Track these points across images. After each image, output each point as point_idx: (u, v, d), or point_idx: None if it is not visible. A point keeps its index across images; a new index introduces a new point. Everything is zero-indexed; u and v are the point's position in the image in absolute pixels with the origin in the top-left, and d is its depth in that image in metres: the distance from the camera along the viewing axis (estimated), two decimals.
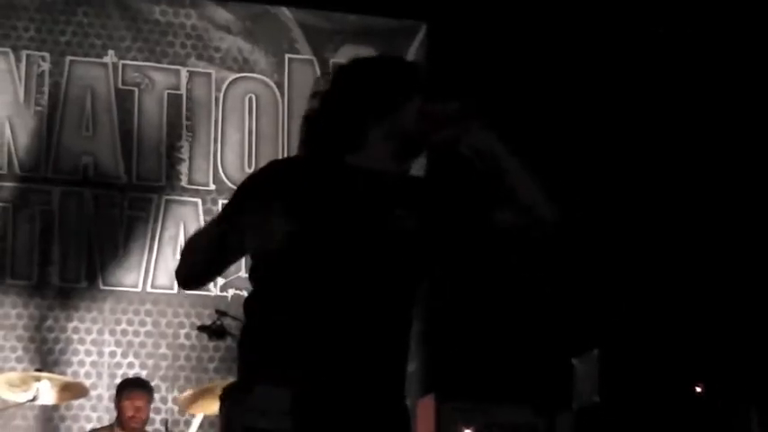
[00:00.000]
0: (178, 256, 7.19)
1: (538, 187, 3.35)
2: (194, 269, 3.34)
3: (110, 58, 7.68)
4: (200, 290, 4.74)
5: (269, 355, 3.21)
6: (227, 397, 3.37)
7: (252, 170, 7.56)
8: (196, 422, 6.82)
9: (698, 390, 6.88)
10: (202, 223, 7.61)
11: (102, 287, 7.51)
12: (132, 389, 6.72)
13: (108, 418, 7.15)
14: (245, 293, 6.73)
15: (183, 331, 7.45)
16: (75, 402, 7.06)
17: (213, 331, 6.59)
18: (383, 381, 3.29)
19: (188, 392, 7.04)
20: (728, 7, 7.84)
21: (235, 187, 7.08)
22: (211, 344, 7.10)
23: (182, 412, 7.11)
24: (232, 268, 6.82)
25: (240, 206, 3.29)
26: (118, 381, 7.20)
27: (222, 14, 7.88)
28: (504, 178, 3.31)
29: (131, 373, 7.30)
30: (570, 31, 8.24)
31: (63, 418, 7.27)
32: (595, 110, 8.13)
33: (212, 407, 6.57)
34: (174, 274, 3.32)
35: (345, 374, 3.20)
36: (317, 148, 3.35)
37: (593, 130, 8.17)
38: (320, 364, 3.18)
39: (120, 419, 6.68)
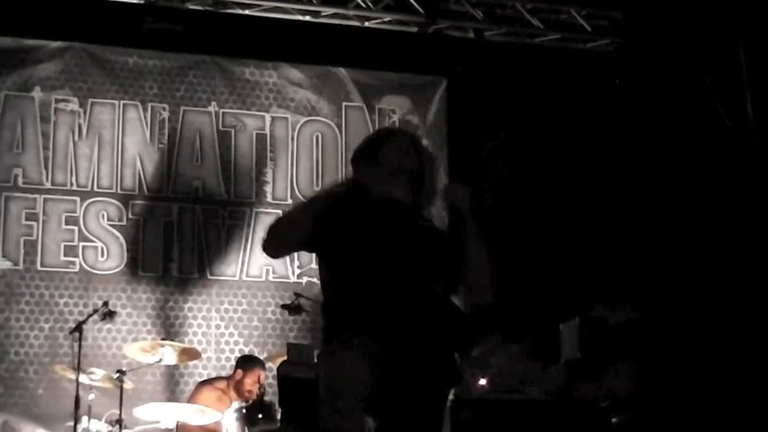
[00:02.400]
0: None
1: (484, 269, 3.72)
2: (282, 238, 3.78)
3: (213, 107, 8.18)
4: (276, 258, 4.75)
5: (343, 325, 3.61)
6: (318, 359, 3.76)
7: (318, 189, 7.81)
8: None
9: None
10: None
11: (209, 277, 7.94)
12: (259, 368, 7.04)
13: (215, 374, 7.50)
14: (315, 280, 6.99)
15: (269, 309, 7.88)
16: (191, 363, 7.46)
17: (292, 309, 7.20)
18: (432, 340, 3.58)
19: (273, 353, 7.41)
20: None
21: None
22: (291, 318, 7.55)
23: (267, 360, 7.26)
24: (305, 260, 7.64)
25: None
26: (223, 347, 7.73)
27: (296, 74, 8.36)
28: (465, 242, 3.69)
29: (233, 342, 7.78)
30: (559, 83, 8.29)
31: (182, 375, 7.66)
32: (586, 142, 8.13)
33: None
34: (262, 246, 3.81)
35: (401, 337, 3.52)
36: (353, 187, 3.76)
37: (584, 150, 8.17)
38: (382, 331, 3.52)
39: (238, 385, 6.97)
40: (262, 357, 7.45)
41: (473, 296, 3.79)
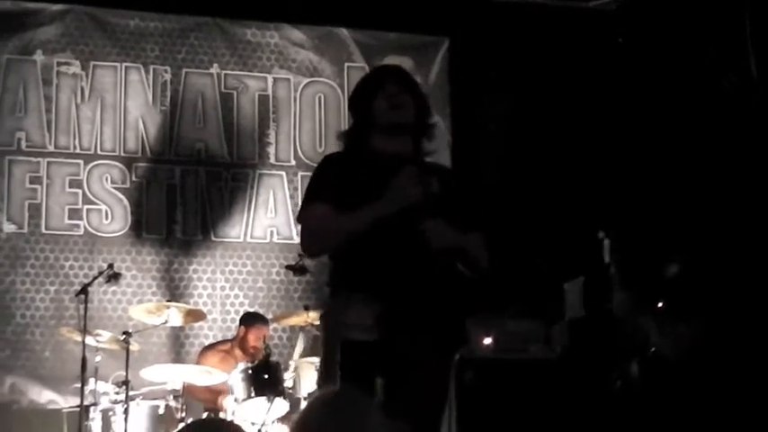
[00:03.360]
0: (270, 215, 7.90)
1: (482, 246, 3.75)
2: (324, 246, 3.78)
3: (214, 69, 8.17)
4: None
5: (355, 286, 3.60)
6: (326, 315, 3.83)
7: (321, 150, 7.92)
8: (301, 338, 7.15)
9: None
10: (287, 190, 8.09)
11: (213, 239, 7.94)
12: (261, 324, 7.09)
13: (221, 336, 7.57)
14: None
15: (274, 270, 7.89)
16: (196, 324, 7.47)
17: (297, 269, 7.14)
18: (438, 301, 3.61)
19: (278, 313, 7.46)
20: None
21: (309, 162, 7.66)
22: (295, 278, 7.55)
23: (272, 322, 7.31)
24: None
25: (320, 186, 3.69)
26: (228, 308, 7.76)
27: (297, 34, 8.33)
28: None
29: (238, 303, 7.80)
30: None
31: (187, 336, 7.69)
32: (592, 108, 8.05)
33: (296, 320, 7.07)
34: (301, 245, 3.92)
35: (411, 296, 3.55)
36: (352, 143, 3.80)
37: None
38: (392, 290, 3.53)
39: (242, 343, 7.06)
40: (268, 317, 7.42)
41: (479, 267, 3.77)
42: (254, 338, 7.03)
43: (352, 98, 3.90)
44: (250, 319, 7.20)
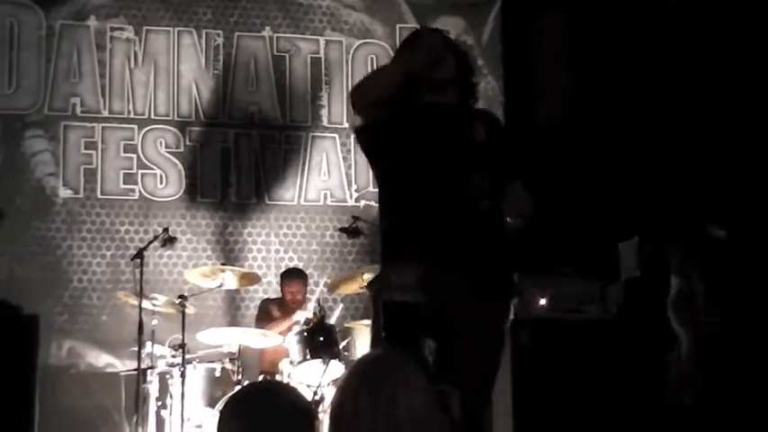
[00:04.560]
0: (324, 177, 7.87)
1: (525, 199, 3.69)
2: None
3: (267, 32, 8.13)
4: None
5: (401, 247, 3.64)
6: (375, 279, 3.88)
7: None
8: (340, 306, 7.22)
9: None
10: (340, 153, 8.12)
11: (267, 202, 7.95)
12: (290, 278, 7.17)
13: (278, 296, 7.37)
14: (373, 203, 7.17)
15: (327, 232, 7.90)
16: (251, 287, 7.46)
17: (350, 231, 7.11)
18: (485, 258, 3.60)
19: (333, 278, 7.47)
20: None
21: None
22: (349, 241, 7.50)
23: (330, 292, 7.39)
24: (362, 183, 7.67)
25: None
26: (282, 271, 7.57)
27: None
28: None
29: (291, 265, 7.69)
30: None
31: (242, 299, 7.71)
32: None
33: (351, 288, 7.01)
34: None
35: (456, 256, 3.56)
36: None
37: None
38: (437, 250, 3.55)
39: (282, 299, 7.15)
40: (321, 282, 7.53)
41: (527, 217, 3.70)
42: (288, 293, 7.13)
43: (396, 58, 3.93)
44: (282, 276, 7.29)
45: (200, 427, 6.32)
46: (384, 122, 3.65)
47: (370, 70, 8.18)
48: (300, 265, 7.71)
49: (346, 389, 2.34)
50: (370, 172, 4.00)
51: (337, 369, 6.48)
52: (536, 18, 8.25)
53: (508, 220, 3.71)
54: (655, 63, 7.88)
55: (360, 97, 3.77)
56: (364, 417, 2.22)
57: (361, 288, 6.85)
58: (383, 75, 3.94)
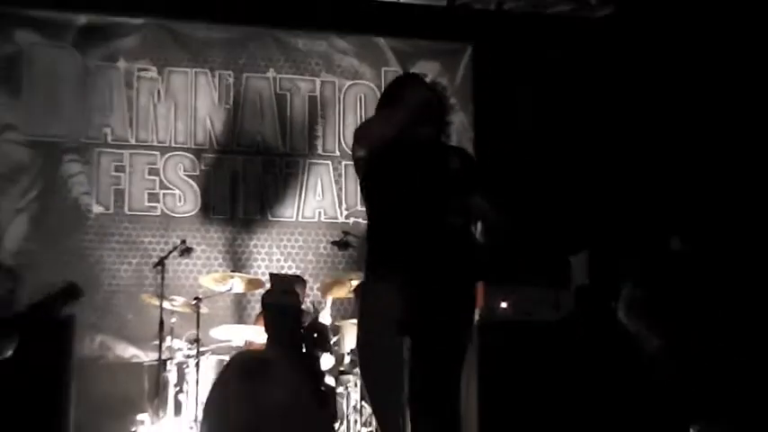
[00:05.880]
0: (318, 198, 7.79)
1: (503, 220, 3.80)
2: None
3: (271, 73, 8.10)
4: None
5: (382, 263, 3.65)
6: (360, 285, 4.00)
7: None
8: (328, 303, 7.17)
9: None
10: (332, 177, 8.05)
11: (270, 218, 7.92)
12: (293, 284, 6.86)
13: None
14: (360, 220, 7.23)
15: (321, 245, 7.86)
16: (256, 291, 7.27)
17: (341, 245, 7.15)
18: (453, 274, 3.61)
19: (325, 284, 7.30)
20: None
21: (351, 153, 7.49)
22: (340, 252, 7.47)
23: (322, 296, 7.29)
24: (352, 202, 7.71)
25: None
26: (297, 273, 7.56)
27: (342, 43, 8.25)
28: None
29: (290, 272, 7.65)
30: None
31: (248, 301, 7.64)
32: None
33: (340, 293, 7.08)
34: None
35: (427, 271, 3.56)
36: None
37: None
38: (412, 263, 3.56)
39: None
40: (315, 287, 7.50)
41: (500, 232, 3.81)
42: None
43: (389, 98, 3.94)
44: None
45: None
46: (381, 154, 3.69)
47: (359, 107, 8.25)
48: (298, 272, 7.68)
49: (221, 378, 2.34)
50: (358, 194, 3.92)
51: (329, 361, 6.53)
52: (503, 65, 8.24)
53: (478, 236, 3.79)
54: (601, 97, 8.03)
55: (363, 135, 3.81)
56: (232, 404, 2.23)
57: (350, 292, 6.97)
58: (381, 118, 3.94)
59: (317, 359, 6.30)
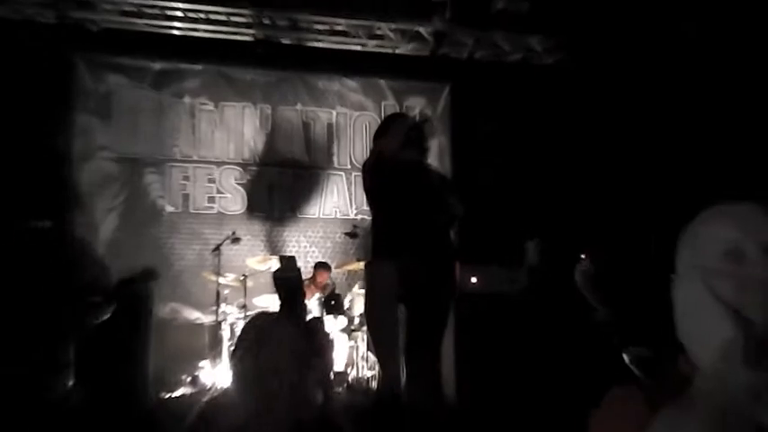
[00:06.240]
0: (335, 200, 7.73)
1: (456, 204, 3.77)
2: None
3: (299, 107, 8.06)
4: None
5: (384, 249, 3.67)
6: (368, 265, 3.85)
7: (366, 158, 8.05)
8: (356, 292, 6.89)
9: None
10: (345, 184, 7.99)
11: (298, 215, 7.89)
12: (322, 269, 7.21)
13: (303, 277, 6.83)
14: (366, 217, 7.02)
15: (337, 235, 7.80)
16: None
17: (352, 235, 7.17)
18: (437, 257, 3.63)
19: (339, 263, 7.35)
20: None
21: (358, 166, 7.58)
22: (350, 240, 7.37)
23: (339, 274, 7.36)
24: (359, 203, 7.66)
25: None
26: (308, 259, 7.64)
27: (351, 83, 8.23)
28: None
29: (314, 256, 7.73)
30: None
31: None
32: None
33: (351, 268, 7.09)
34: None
35: (418, 255, 3.57)
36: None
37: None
38: (408, 251, 3.58)
39: (314, 279, 7.10)
40: (333, 265, 7.44)
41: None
42: (320, 278, 7.10)
43: (382, 130, 3.95)
44: (317, 266, 7.24)
45: None
46: (380, 171, 3.73)
47: (364, 132, 8.21)
48: (319, 256, 7.68)
49: (243, 333, 2.35)
50: (364, 198, 3.88)
51: (342, 321, 6.59)
52: (473, 100, 8.18)
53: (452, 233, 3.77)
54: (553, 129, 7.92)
55: (368, 168, 3.83)
56: (249, 350, 2.23)
57: (358, 270, 6.88)
58: (387, 146, 3.89)
59: (320, 319, 6.26)
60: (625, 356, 3.28)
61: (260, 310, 6.63)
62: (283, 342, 2.17)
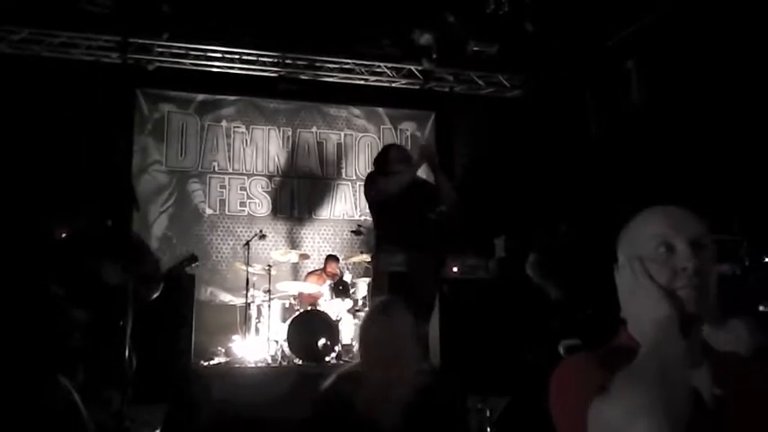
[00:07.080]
0: (342, 204, 7.64)
1: (451, 194, 3.76)
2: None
3: (314, 129, 8.02)
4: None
5: (387, 243, 3.72)
6: (373, 257, 3.91)
7: (368, 170, 7.40)
8: (364, 284, 6.58)
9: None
10: (351, 192, 7.88)
11: (313, 217, 7.84)
12: (333, 260, 7.00)
13: (316, 266, 7.24)
14: (368, 218, 6.62)
15: (344, 233, 7.69)
16: (305, 261, 7.20)
17: (357, 233, 6.94)
18: (428, 249, 3.66)
19: (347, 256, 7.17)
20: None
21: (362, 177, 7.37)
22: (356, 237, 7.22)
23: (346, 264, 7.10)
24: (363, 206, 7.49)
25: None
26: (321, 252, 7.46)
27: (356, 111, 8.15)
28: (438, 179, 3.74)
29: (326, 250, 7.53)
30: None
31: (301, 267, 7.40)
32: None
33: (356, 260, 6.91)
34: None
35: (413, 248, 3.60)
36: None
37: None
38: (405, 244, 3.62)
39: (325, 269, 6.96)
40: (341, 257, 7.32)
41: (447, 208, 3.74)
42: (330, 268, 6.96)
43: (380, 156, 3.97)
44: (328, 258, 7.11)
45: (277, 334, 6.24)
46: (378, 185, 3.74)
47: (367, 150, 8.11)
48: (330, 250, 7.58)
49: (371, 313, 2.35)
50: (366, 203, 3.91)
51: (349, 304, 6.54)
52: (453, 125, 8.14)
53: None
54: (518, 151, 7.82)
55: (367, 184, 3.84)
56: (377, 328, 2.22)
57: (363, 262, 6.88)
58: (375, 174, 3.89)
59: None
60: (560, 348, 3.26)
61: (294, 295, 6.54)
62: (408, 324, 2.18)
